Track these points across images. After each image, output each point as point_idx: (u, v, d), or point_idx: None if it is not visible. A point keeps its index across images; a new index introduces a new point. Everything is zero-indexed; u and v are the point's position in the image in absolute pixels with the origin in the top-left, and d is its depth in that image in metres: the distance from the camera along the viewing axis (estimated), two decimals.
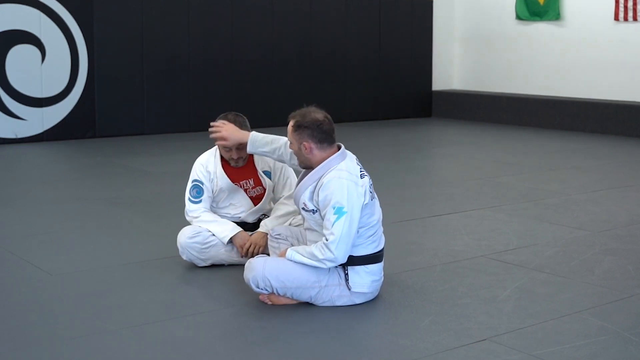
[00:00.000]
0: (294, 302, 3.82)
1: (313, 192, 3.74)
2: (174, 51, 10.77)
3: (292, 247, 3.81)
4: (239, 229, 4.46)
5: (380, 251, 3.88)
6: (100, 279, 4.27)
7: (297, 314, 3.71)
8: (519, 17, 12.75)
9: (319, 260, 3.68)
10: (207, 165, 4.51)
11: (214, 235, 4.41)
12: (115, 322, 3.59)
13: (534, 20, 12.54)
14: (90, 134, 10.18)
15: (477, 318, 3.67)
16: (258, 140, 4.16)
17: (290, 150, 3.93)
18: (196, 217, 4.47)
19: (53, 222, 5.65)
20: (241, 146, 4.31)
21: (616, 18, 11.44)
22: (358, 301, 3.82)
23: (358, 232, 3.72)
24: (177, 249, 4.52)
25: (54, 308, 3.81)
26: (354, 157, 3.87)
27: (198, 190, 4.47)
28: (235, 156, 4.42)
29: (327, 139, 3.77)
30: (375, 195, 3.89)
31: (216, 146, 4.53)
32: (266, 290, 3.75)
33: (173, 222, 5.54)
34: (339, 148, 3.83)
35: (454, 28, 13.82)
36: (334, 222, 3.62)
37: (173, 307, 3.83)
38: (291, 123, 3.81)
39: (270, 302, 3.83)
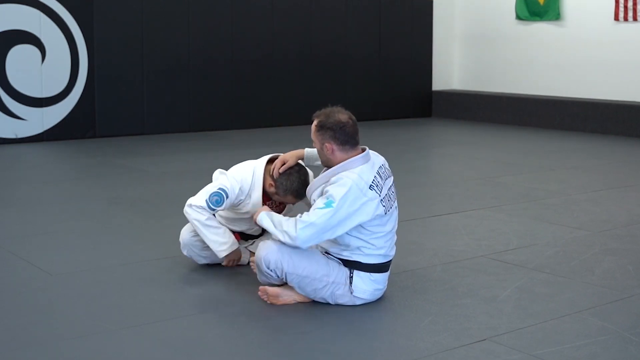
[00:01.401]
0: (292, 302, 3.81)
1: (323, 189, 3.73)
2: (174, 51, 10.77)
3: (268, 212, 3.77)
4: (236, 245, 4.29)
5: (388, 262, 3.87)
6: (100, 279, 4.27)
7: (297, 314, 3.71)
8: (519, 17, 12.75)
9: (281, 230, 3.63)
10: (242, 185, 4.18)
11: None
12: (115, 322, 3.59)
13: (534, 20, 12.54)
14: (90, 134, 10.18)
15: (477, 318, 3.67)
16: (313, 155, 4.12)
17: None
18: (198, 220, 4.21)
19: (53, 222, 5.65)
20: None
21: (616, 18, 11.44)
22: (358, 302, 3.83)
23: (358, 228, 3.69)
24: (177, 249, 4.51)
25: (54, 308, 3.81)
26: (379, 163, 3.79)
27: (219, 199, 4.16)
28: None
29: (349, 141, 3.73)
30: (393, 209, 3.81)
31: (262, 171, 4.19)
32: (275, 272, 3.71)
33: (173, 222, 5.54)
34: (364, 151, 3.79)
35: (454, 28, 13.82)
36: (318, 208, 3.59)
37: (173, 307, 3.83)
38: (315, 122, 3.78)
39: (268, 301, 3.82)
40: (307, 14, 11.95)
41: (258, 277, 3.89)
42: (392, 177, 3.87)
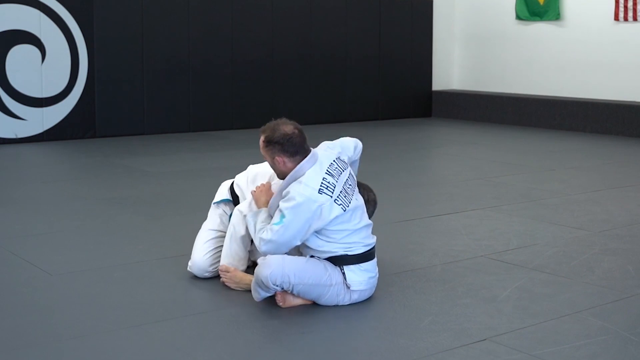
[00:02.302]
0: (297, 304, 3.80)
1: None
2: (174, 51, 10.77)
3: (254, 213, 3.86)
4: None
5: (371, 250, 3.88)
6: (100, 279, 4.27)
7: (297, 314, 3.71)
8: (519, 17, 12.75)
9: (256, 237, 3.75)
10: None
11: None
12: (115, 322, 3.59)
13: (534, 20, 12.54)
14: (90, 134, 10.18)
15: (477, 318, 3.67)
16: None
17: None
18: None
19: (53, 222, 5.65)
20: None
21: (616, 18, 11.44)
22: (356, 297, 3.83)
23: (325, 234, 3.73)
24: (177, 249, 4.51)
25: (54, 308, 3.81)
26: (329, 160, 3.80)
27: None
28: None
29: (299, 151, 3.76)
30: (353, 203, 3.78)
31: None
32: (281, 287, 3.71)
33: (173, 222, 5.55)
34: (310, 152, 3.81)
35: (454, 28, 13.82)
36: (273, 224, 3.69)
37: (173, 307, 3.83)
38: (262, 138, 3.81)
39: (284, 305, 3.79)
40: (307, 14, 11.95)
41: (255, 296, 3.84)
42: (348, 169, 3.87)
